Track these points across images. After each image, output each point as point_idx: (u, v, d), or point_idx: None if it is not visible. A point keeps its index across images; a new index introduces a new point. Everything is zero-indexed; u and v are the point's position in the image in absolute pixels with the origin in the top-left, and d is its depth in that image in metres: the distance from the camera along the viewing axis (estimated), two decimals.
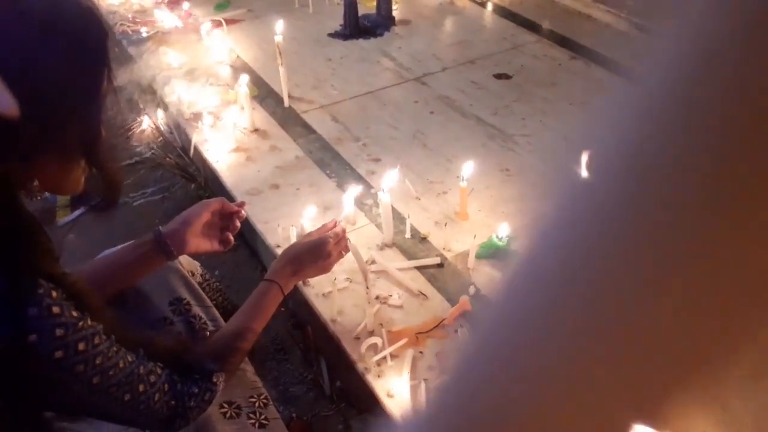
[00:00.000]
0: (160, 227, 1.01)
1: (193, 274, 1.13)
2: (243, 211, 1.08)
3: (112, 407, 0.72)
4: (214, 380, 0.85)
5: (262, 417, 0.95)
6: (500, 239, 1.31)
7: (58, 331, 0.65)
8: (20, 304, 0.63)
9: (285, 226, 1.40)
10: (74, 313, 0.67)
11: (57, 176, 0.71)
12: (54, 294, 0.65)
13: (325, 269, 1.09)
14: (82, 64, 0.67)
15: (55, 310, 0.65)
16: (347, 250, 1.13)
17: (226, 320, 1.08)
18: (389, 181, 1.29)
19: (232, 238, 1.06)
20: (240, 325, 0.95)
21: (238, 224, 1.07)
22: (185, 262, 1.13)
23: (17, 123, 0.61)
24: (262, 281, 1.02)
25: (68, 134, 0.67)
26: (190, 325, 1.01)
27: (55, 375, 0.66)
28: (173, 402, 0.78)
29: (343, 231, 1.14)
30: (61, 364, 0.65)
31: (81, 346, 0.67)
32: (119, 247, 1.02)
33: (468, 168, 1.38)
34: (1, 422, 0.67)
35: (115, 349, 0.71)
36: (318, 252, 1.07)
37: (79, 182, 0.73)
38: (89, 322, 0.68)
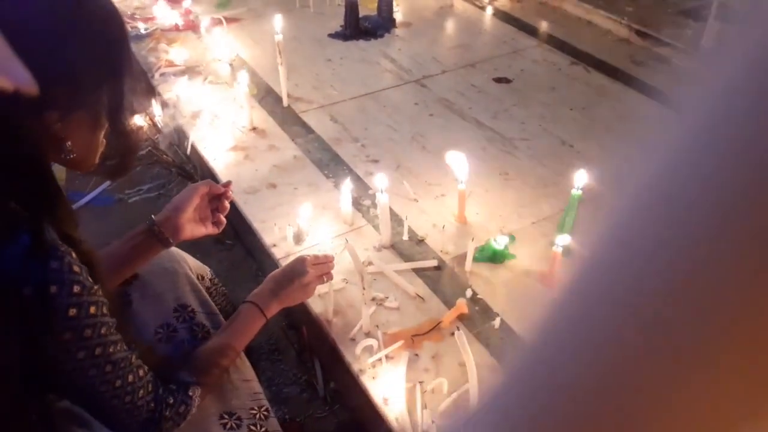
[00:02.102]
0: (153, 216, 1.01)
1: (202, 278, 1.13)
2: (230, 191, 1.09)
3: (103, 389, 0.73)
4: (190, 393, 0.85)
5: (263, 429, 0.94)
6: (498, 243, 1.30)
7: (76, 288, 0.67)
8: (44, 257, 0.66)
9: (282, 225, 1.39)
10: (89, 278, 0.70)
11: (85, 140, 0.76)
12: (73, 255, 0.68)
13: (306, 291, 1.08)
14: (110, 36, 0.75)
15: (76, 268, 0.68)
16: (330, 277, 1.14)
17: None
18: (382, 182, 1.28)
19: (223, 218, 1.08)
20: (221, 343, 0.95)
21: (227, 204, 1.08)
22: (194, 265, 1.13)
23: (58, 83, 0.69)
24: (243, 303, 1.02)
25: (99, 96, 0.74)
26: (193, 333, 1.00)
27: (65, 335, 0.68)
28: (153, 404, 0.79)
29: (326, 257, 1.15)
30: (73, 323, 0.68)
31: (92, 310, 0.69)
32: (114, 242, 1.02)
33: (461, 166, 1.38)
34: (9, 405, 0.68)
35: (116, 329, 0.73)
36: (294, 270, 1.08)
37: (97, 153, 0.79)
38: (100, 291, 0.71)
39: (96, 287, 0.70)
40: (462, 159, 1.38)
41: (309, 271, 1.08)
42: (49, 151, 0.73)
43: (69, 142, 0.73)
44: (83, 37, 0.73)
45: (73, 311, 0.68)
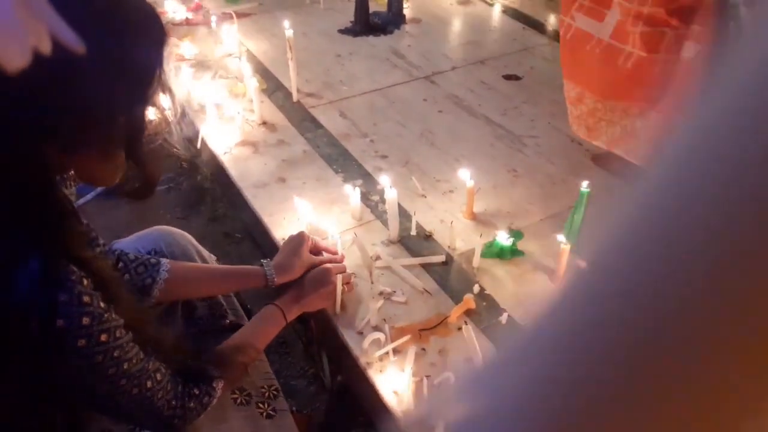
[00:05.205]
0: (272, 268, 1.10)
1: None
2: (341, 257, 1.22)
3: (120, 399, 0.74)
4: (214, 385, 0.88)
5: (270, 408, 0.97)
6: (506, 239, 1.30)
7: (85, 320, 0.66)
8: (52, 288, 0.64)
9: (290, 219, 1.40)
10: (102, 304, 0.68)
11: (95, 168, 0.71)
12: (85, 282, 0.66)
13: (328, 299, 1.14)
14: (140, 63, 0.66)
15: (86, 299, 0.66)
16: (351, 288, 1.20)
17: None
18: (388, 181, 1.30)
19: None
20: (243, 341, 0.98)
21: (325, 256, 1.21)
22: (204, 253, 1.15)
23: (63, 117, 0.61)
24: (266, 305, 1.07)
25: (113, 131, 0.68)
26: (212, 311, 1.04)
27: (75, 362, 0.67)
28: (174, 402, 0.81)
29: (345, 267, 1.22)
30: (83, 352, 0.67)
31: (103, 337, 0.68)
32: (226, 267, 1.10)
33: (465, 174, 1.39)
34: (35, 413, 0.68)
35: (131, 344, 0.73)
36: (319, 279, 1.12)
37: (115, 175, 0.74)
38: (113, 315, 0.70)
39: (107, 314, 0.68)
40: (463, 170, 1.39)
41: (333, 281, 1.12)
42: (56, 174, 0.69)
43: (72, 172, 0.70)
44: (109, 60, 0.63)
45: (82, 342, 0.66)
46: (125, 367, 0.72)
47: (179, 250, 1.08)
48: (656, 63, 1.26)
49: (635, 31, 1.28)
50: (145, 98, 0.68)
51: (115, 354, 0.70)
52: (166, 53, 0.69)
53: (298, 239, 1.15)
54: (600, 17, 1.36)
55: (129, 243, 1.07)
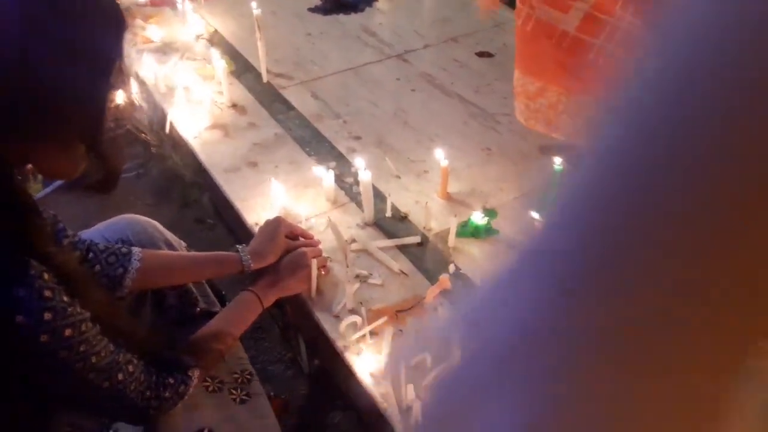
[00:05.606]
0: (247, 254, 1.07)
1: None
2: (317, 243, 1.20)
3: (90, 393, 0.72)
4: (190, 374, 0.86)
5: (244, 393, 0.96)
6: (481, 218, 1.30)
7: (47, 315, 0.64)
8: (9, 283, 0.62)
9: (263, 203, 1.38)
10: (65, 298, 0.66)
11: (54, 161, 0.70)
12: (46, 276, 0.64)
13: (305, 282, 1.13)
14: (97, 51, 0.65)
15: (47, 293, 0.64)
16: (327, 271, 1.19)
17: None
18: (362, 163, 1.29)
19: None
20: (219, 328, 0.97)
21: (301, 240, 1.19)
22: (173, 240, 1.13)
23: (21, 107, 0.61)
24: (242, 291, 1.05)
25: (72, 123, 0.67)
26: (182, 299, 1.03)
27: (38, 358, 0.66)
28: (148, 393, 0.79)
29: (320, 251, 1.20)
30: (46, 347, 0.65)
31: (68, 332, 0.66)
32: (200, 254, 1.09)
33: (439, 154, 1.38)
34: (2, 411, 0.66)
35: (99, 337, 0.71)
36: (296, 263, 1.11)
37: (76, 168, 0.72)
38: (78, 308, 0.68)
39: (71, 308, 0.67)
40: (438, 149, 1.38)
41: (309, 264, 1.11)
42: (15, 167, 0.67)
43: (30, 166, 0.68)
44: (65, 48, 0.62)
45: (44, 338, 0.64)
46: (93, 360, 0.70)
47: (147, 238, 1.06)
48: (632, 64, 1.22)
49: (621, 26, 1.23)
50: (104, 87, 0.67)
51: (81, 348, 0.68)
52: (125, 41, 0.68)
53: (275, 224, 1.14)
54: (565, 8, 1.31)
55: (96, 232, 1.04)
